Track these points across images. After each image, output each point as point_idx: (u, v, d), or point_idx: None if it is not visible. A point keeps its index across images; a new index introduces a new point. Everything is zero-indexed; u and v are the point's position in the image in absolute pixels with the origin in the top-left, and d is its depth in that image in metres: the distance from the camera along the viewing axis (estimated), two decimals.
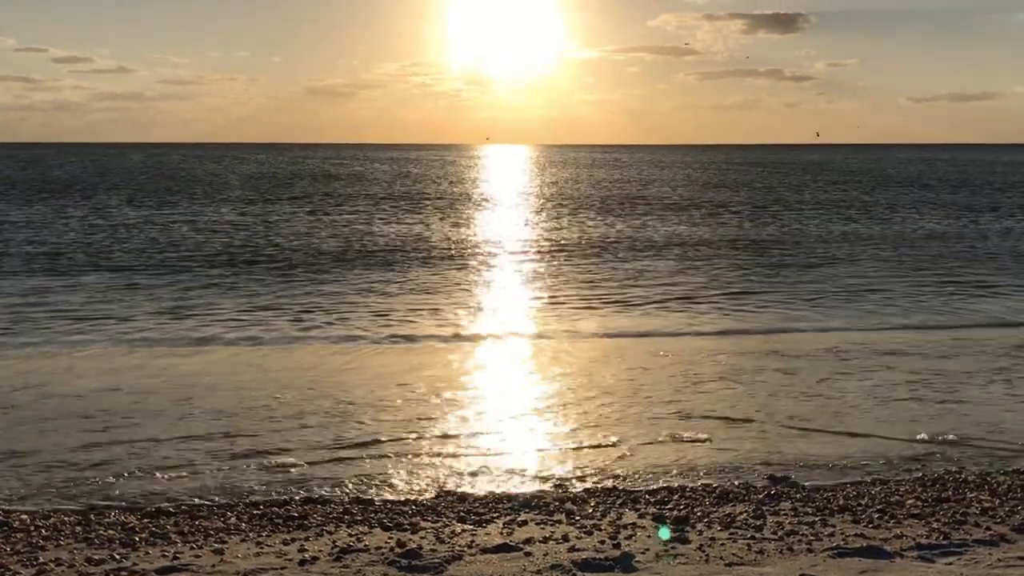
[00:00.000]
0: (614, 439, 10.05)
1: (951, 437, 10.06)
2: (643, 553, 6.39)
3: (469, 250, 28.44)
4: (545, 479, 8.51)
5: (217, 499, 7.83)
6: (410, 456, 9.42)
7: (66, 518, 7.22)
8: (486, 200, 49.54)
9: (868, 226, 36.07)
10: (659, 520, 7.08)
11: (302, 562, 6.26)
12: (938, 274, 23.31)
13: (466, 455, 9.46)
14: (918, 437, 10.06)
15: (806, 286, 21.50)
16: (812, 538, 6.68)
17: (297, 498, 7.82)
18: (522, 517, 7.24)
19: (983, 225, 36.55)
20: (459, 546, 6.56)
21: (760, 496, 7.79)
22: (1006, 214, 41.37)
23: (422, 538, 6.73)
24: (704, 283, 21.87)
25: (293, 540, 6.68)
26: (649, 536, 6.76)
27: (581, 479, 8.48)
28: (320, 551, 6.45)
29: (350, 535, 6.81)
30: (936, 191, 58.30)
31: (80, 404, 11.40)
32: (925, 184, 66.77)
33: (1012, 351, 14.47)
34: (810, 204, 47.59)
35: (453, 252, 27.72)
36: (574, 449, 9.70)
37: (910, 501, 7.58)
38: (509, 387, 12.78)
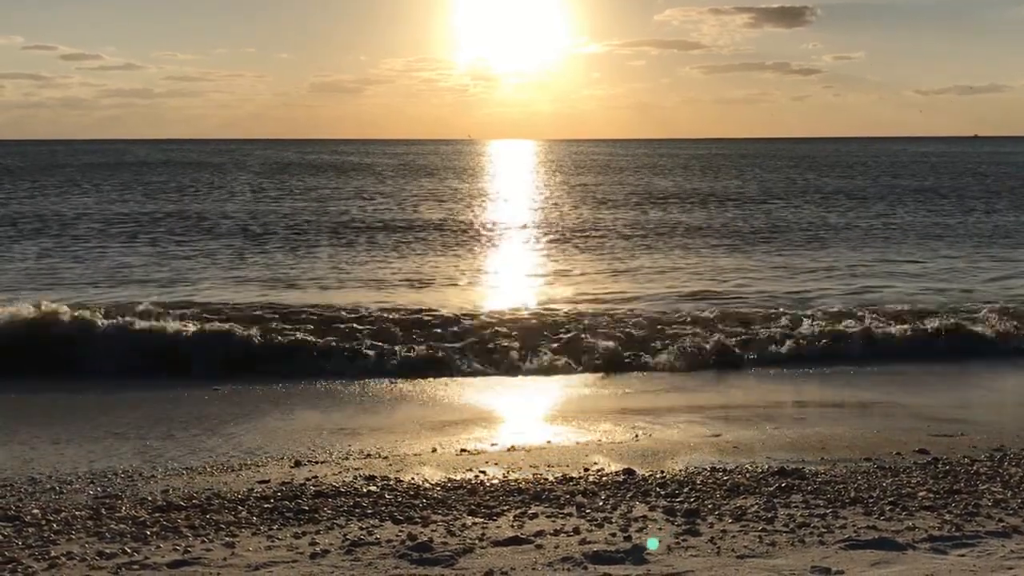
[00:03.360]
0: (624, 432, 10.04)
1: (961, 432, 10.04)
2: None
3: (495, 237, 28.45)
4: (555, 472, 8.49)
5: (228, 493, 7.83)
6: (420, 450, 9.42)
7: (77, 512, 7.23)
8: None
9: None
10: (669, 513, 7.08)
11: (313, 555, 6.26)
12: None
13: (476, 448, 9.46)
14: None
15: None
16: (824, 530, 6.67)
17: (308, 492, 7.81)
18: (533, 510, 7.23)
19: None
20: (470, 539, 6.56)
21: (771, 489, 7.77)
22: None
23: (433, 531, 6.73)
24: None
25: (304, 533, 6.69)
26: (660, 528, 6.75)
27: (591, 472, 8.46)
28: (331, 544, 6.45)
29: (361, 528, 6.81)
30: None
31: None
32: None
33: None
34: None
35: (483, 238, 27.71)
36: (584, 442, 9.69)
37: (922, 493, 7.56)
38: (517, 379, 12.78)
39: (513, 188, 56.71)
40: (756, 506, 7.26)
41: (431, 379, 12.85)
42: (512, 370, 13.17)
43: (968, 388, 12.52)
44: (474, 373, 12.87)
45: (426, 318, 16.01)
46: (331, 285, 20.51)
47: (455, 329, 15.18)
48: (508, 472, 8.55)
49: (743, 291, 19.71)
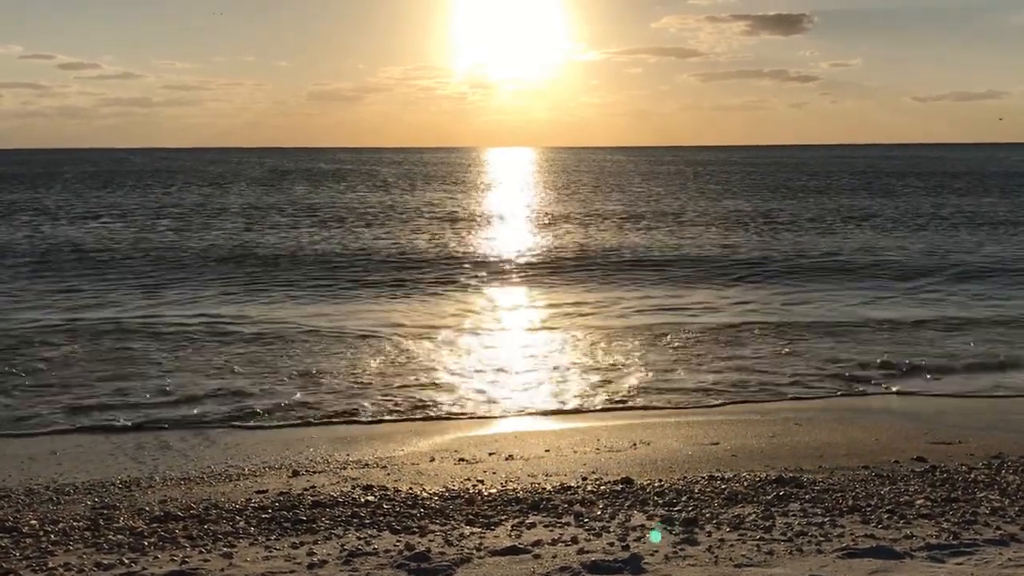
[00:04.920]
0: (621, 442, 10.04)
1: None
2: (652, 555, 6.37)
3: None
4: (553, 482, 8.49)
5: (225, 503, 7.82)
6: (418, 459, 9.42)
7: (75, 523, 7.22)
8: None
9: None
10: (667, 522, 7.07)
11: (311, 565, 6.25)
12: None
13: (474, 458, 9.45)
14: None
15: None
16: (821, 539, 6.66)
17: (305, 502, 7.81)
18: (530, 519, 7.23)
19: None
20: (468, 549, 6.55)
21: (769, 497, 7.76)
22: None
23: (431, 541, 6.72)
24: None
25: (302, 544, 6.68)
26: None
27: (589, 481, 8.46)
28: (329, 555, 6.44)
29: (359, 538, 6.80)
30: None
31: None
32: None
33: None
34: None
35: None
36: (582, 451, 9.69)
37: (920, 501, 7.56)
38: (515, 389, 12.77)
39: (514, 206, 56.61)
40: (754, 515, 7.26)
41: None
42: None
43: (967, 396, 12.51)
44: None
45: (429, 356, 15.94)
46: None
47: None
48: (506, 481, 8.54)
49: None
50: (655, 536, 6.50)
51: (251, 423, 11.05)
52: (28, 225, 37.86)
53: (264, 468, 9.13)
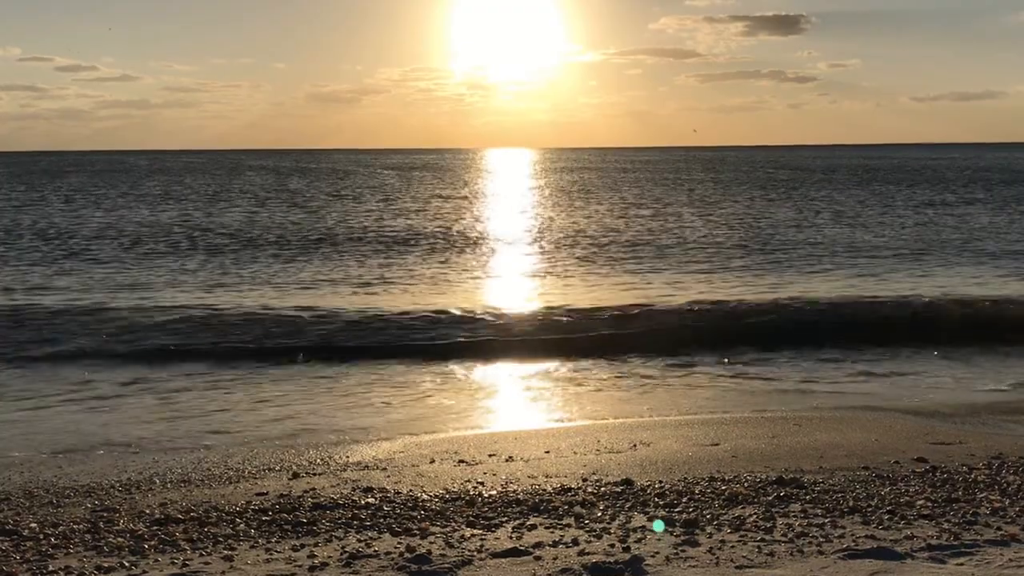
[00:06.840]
0: (622, 443, 10.03)
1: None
2: (653, 556, 6.37)
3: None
4: (554, 483, 8.48)
5: (226, 505, 7.82)
6: (418, 461, 9.41)
7: (75, 526, 7.21)
8: None
9: None
10: (668, 523, 7.07)
11: (312, 568, 6.25)
12: None
13: (474, 459, 9.45)
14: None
15: None
16: (822, 540, 6.66)
17: (306, 504, 7.80)
18: (531, 521, 7.22)
19: None
20: (469, 551, 6.55)
21: (769, 498, 7.76)
22: None
23: (431, 543, 6.72)
24: None
25: (303, 546, 6.67)
26: (659, 539, 6.74)
27: (589, 482, 8.45)
28: (329, 557, 6.44)
29: (359, 541, 6.80)
30: None
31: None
32: None
33: None
34: None
35: None
36: (582, 452, 9.68)
37: (920, 502, 7.56)
38: (515, 391, 12.78)
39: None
40: (755, 516, 7.25)
41: (427, 391, 12.84)
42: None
43: (968, 394, 12.52)
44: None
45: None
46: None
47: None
48: (506, 483, 8.53)
49: None
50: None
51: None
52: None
53: (264, 470, 9.12)
